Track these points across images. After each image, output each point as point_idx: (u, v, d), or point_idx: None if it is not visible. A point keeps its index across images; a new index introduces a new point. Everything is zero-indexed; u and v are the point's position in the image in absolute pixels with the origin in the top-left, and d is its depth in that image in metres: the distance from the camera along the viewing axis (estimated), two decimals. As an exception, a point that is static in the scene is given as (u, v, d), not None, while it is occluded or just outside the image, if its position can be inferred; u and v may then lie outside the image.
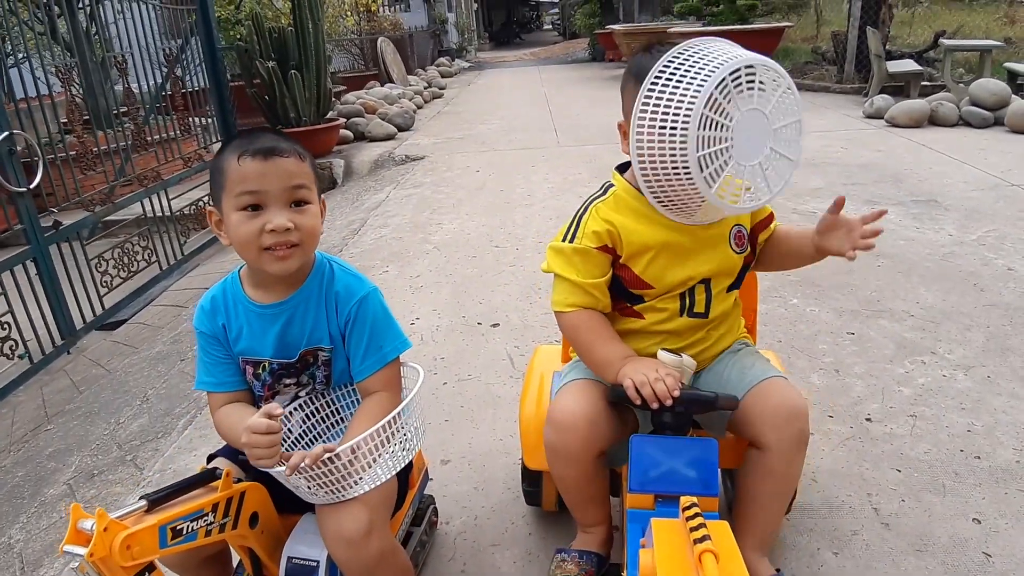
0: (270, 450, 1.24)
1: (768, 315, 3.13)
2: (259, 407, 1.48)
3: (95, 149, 4.26)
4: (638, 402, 1.34)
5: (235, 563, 1.55)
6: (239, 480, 1.36)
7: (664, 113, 1.28)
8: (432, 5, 20.55)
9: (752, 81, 1.28)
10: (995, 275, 3.43)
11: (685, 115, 1.26)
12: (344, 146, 8.02)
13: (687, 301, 1.53)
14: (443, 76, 15.43)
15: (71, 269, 3.78)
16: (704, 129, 1.26)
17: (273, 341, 1.43)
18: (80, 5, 5.64)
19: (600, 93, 11.05)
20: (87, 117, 5.04)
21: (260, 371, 1.46)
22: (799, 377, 2.64)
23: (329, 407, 1.54)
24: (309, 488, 1.29)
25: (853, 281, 3.45)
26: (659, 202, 1.41)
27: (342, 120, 8.17)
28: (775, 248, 1.64)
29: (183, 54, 5.54)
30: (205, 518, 1.25)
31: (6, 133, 3.32)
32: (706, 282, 1.53)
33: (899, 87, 8.25)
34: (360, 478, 1.31)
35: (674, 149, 1.28)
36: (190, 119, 5.50)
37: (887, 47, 8.80)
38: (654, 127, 1.29)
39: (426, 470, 1.84)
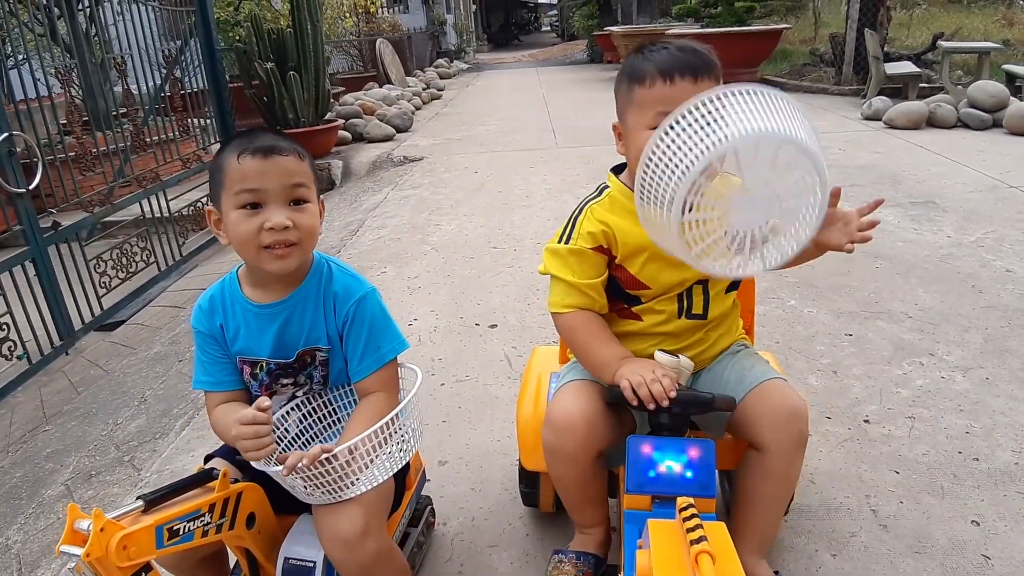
0: (257, 441, 1.24)
1: (766, 316, 3.14)
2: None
3: (94, 150, 4.26)
4: (635, 403, 1.34)
5: (232, 564, 1.55)
6: (236, 480, 1.37)
7: (667, 162, 1.16)
8: (431, 7, 20.57)
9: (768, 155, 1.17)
10: (993, 277, 3.43)
11: (681, 174, 1.14)
12: (342, 147, 8.02)
13: (685, 303, 1.53)
14: (441, 77, 15.44)
15: (70, 270, 3.78)
16: (694, 195, 1.15)
17: (271, 341, 1.43)
18: (80, 7, 5.64)
19: (598, 94, 11.06)
20: (86, 118, 5.03)
21: (257, 371, 1.46)
22: (797, 378, 2.64)
23: (326, 407, 1.54)
24: (306, 488, 1.29)
25: (851, 282, 3.45)
26: (651, 234, 1.33)
27: (340, 121, 8.17)
28: None
29: (182, 55, 5.55)
30: (202, 518, 1.24)
31: (6, 134, 3.32)
32: (703, 283, 1.53)
33: (897, 89, 8.26)
34: (357, 479, 1.31)
35: (662, 199, 1.19)
36: (189, 120, 5.50)
37: (885, 49, 8.81)
38: (656, 172, 1.19)
39: (423, 471, 1.84)
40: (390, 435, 1.36)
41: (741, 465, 1.53)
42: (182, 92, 5.39)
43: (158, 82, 5.31)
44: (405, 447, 1.42)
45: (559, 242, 1.52)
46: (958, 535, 1.86)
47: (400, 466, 1.41)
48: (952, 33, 10.11)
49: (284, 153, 1.33)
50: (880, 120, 7.23)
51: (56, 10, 4.59)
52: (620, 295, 1.55)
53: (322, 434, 1.54)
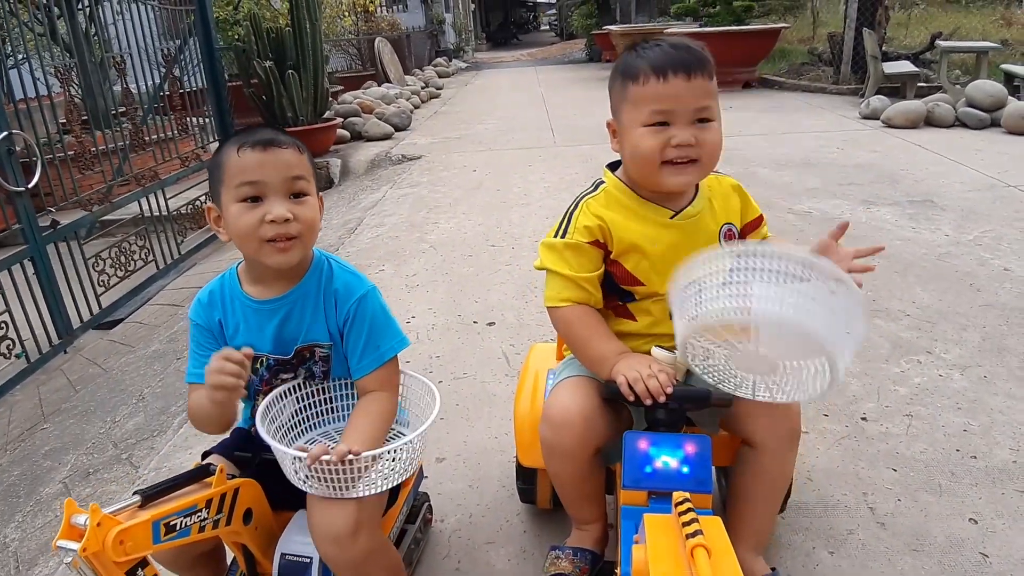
0: (220, 376, 1.24)
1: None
2: (255, 403, 1.49)
3: (93, 149, 4.26)
4: (631, 399, 1.34)
5: (229, 560, 1.55)
6: (233, 477, 1.37)
7: (697, 289, 1.17)
8: (429, 6, 20.56)
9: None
10: (991, 275, 3.43)
11: (695, 315, 1.16)
12: (341, 146, 8.02)
13: None
14: (440, 76, 15.43)
15: (68, 268, 3.78)
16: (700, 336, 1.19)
17: (270, 337, 1.43)
18: (79, 6, 5.63)
19: (597, 93, 11.04)
20: (85, 117, 5.03)
21: (258, 366, 1.46)
22: (795, 376, 2.64)
23: (322, 394, 1.54)
24: (306, 480, 1.28)
25: (849, 281, 3.45)
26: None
27: (339, 120, 8.17)
28: None
29: (181, 54, 5.54)
30: (199, 514, 1.24)
31: (5, 133, 3.32)
32: None
33: (895, 88, 8.26)
34: (362, 484, 1.32)
35: (681, 311, 1.21)
36: (188, 119, 5.50)
37: (883, 48, 8.81)
38: (687, 287, 1.20)
39: (420, 468, 1.84)
40: (415, 452, 1.38)
41: (735, 462, 1.54)
42: (181, 91, 5.39)
43: (157, 81, 5.31)
44: (415, 459, 1.42)
45: (555, 237, 1.52)
46: (956, 533, 1.86)
47: (404, 478, 1.41)
48: (950, 33, 10.11)
49: (283, 146, 1.33)
50: (878, 119, 7.23)
51: (56, 9, 4.59)
52: (615, 291, 1.55)
53: (316, 418, 1.54)
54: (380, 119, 8.74)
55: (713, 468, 1.38)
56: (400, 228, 4.87)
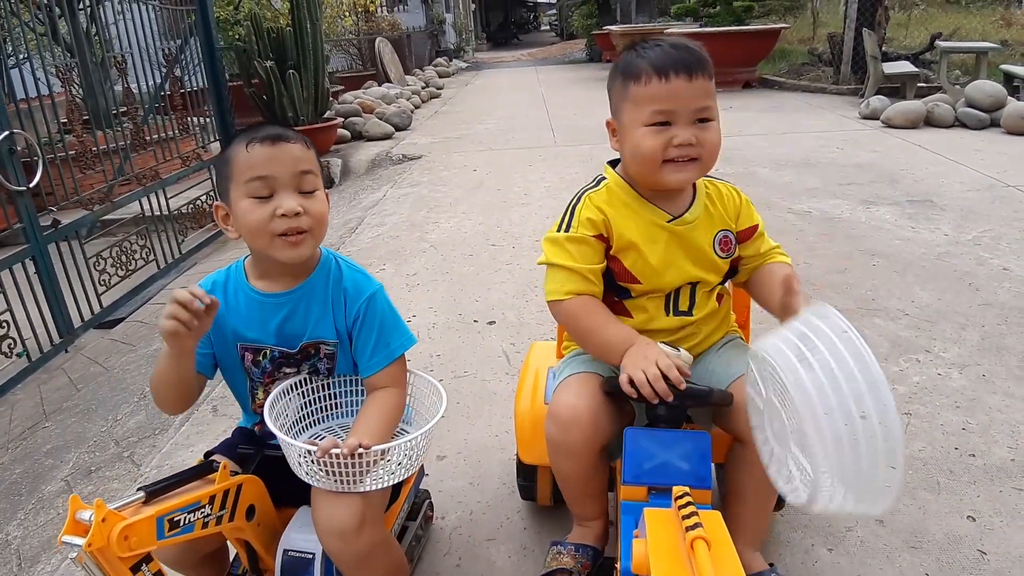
0: (176, 306, 1.23)
1: (763, 313, 3.13)
2: (257, 397, 1.50)
3: (94, 148, 4.27)
4: (635, 396, 1.35)
5: (231, 556, 1.56)
6: (236, 473, 1.37)
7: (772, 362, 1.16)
8: (430, 6, 20.58)
9: None
10: (990, 275, 3.44)
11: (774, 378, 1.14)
12: (341, 145, 8.03)
13: (672, 301, 1.55)
14: (440, 76, 15.44)
15: (69, 268, 3.79)
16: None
17: (274, 330, 1.44)
18: (80, 6, 5.64)
19: (597, 93, 11.05)
20: (87, 117, 5.04)
21: (260, 358, 1.46)
22: (794, 375, 2.65)
23: (326, 390, 1.54)
24: (313, 472, 1.29)
25: (848, 280, 3.46)
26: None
27: (339, 120, 8.18)
28: (755, 286, 1.62)
29: (182, 54, 5.55)
30: (202, 510, 1.25)
31: (6, 132, 3.32)
32: (692, 284, 1.54)
33: (895, 88, 8.27)
34: (372, 478, 1.32)
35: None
36: (188, 119, 5.51)
37: (883, 49, 8.82)
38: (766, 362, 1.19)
39: (422, 465, 1.85)
40: (421, 447, 1.39)
41: (728, 459, 1.54)
42: (182, 91, 5.40)
43: (158, 81, 5.32)
44: (419, 456, 1.43)
45: (558, 231, 1.53)
46: (954, 530, 1.87)
47: (410, 475, 1.42)
48: (950, 33, 10.12)
49: (291, 141, 1.35)
50: (878, 119, 7.24)
51: (57, 9, 4.60)
52: (612, 288, 1.55)
53: (320, 414, 1.55)
54: (380, 119, 8.75)
55: (712, 465, 1.39)
56: (400, 227, 4.88)
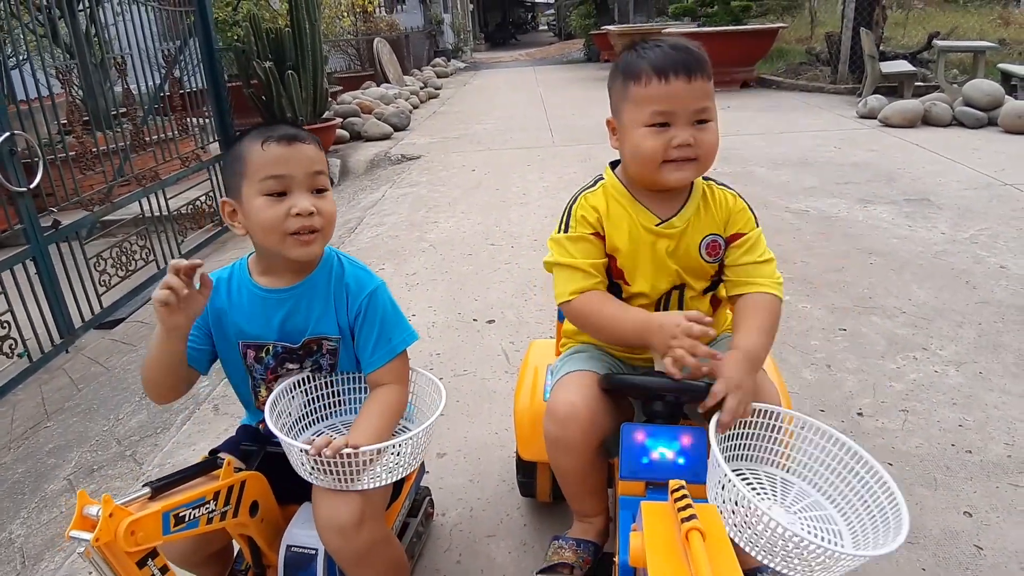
0: (170, 274, 1.25)
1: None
2: (260, 395, 1.51)
3: (94, 149, 4.28)
4: (678, 377, 1.34)
5: (235, 552, 1.57)
6: (240, 470, 1.39)
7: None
8: (428, 6, 20.58)
9: None
10: (987, 273, 3.46)
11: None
12: (340, 146, 8.05)
13: (661, 305, 1.57)
14: (439, 76, 15.46)
15: (70, 268, 3.79)
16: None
17: (276, 326, 1.45)
18: (80, 7, 5.65)
19: (595, 93, 11.07)
20: (86, 118, 5.04)
21: (263, 354, 1.48)
22: (791, 372, 2.67)
23: (329, 387, 1.56)
24: (313, 470, 1.31)
25: (846, 278, 3.48)
26: None
27: (338, 120, 8.20)
28: (735, 310, 1.59)
29: (181, 55, 5.56)
30: (207, 506, 1.27)
31: (7, 134, 3.33)
32: (680, 288, 1.56)
33: (893, 88, 8.29)
34: (366, 476, 1.34)
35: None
36: (188, 119, 5.52)
37: (881, 48, 8.84)
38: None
39: (422, 463, 1.86)
40: (420, 447, 1.40)
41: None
42: (181, 92, 5.41)
43: (157, 82, 5.33)
44: (418, 453, 1.44)
45: (558, 232, 1.56)
46: (951, 526, 1.89)
47: (409, 472, 1.44)
48: (948, 32, 10.14)
49: (305, 141, 1.37)
50: (876, 118, 7.26)
51: (57, 11, 4.61)
52: (610, 285, 1.57)
53: (323, 411, 1.56)
54: (379, 119, 8.76)
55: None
56: (400, 227, 4.89)
